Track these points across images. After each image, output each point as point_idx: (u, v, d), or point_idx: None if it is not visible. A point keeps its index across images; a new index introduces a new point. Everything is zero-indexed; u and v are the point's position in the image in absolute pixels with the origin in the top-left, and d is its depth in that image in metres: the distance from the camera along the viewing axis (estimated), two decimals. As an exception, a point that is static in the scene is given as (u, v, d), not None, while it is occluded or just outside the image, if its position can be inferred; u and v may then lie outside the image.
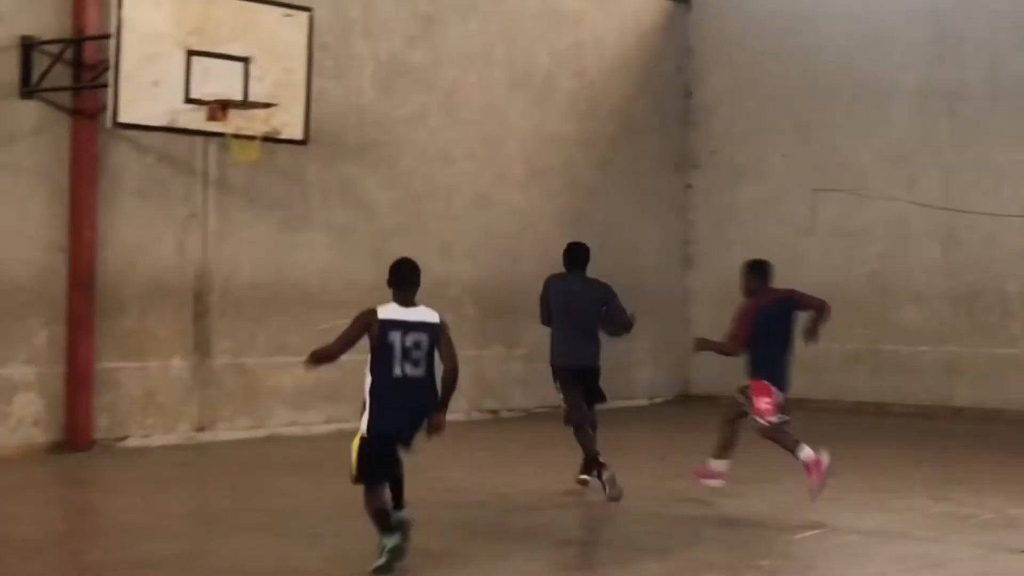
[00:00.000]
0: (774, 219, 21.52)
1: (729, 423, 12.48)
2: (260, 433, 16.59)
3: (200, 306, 16.33)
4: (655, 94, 22.18)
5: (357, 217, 17.91)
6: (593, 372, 12.99)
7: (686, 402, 22.01)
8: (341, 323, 13.06)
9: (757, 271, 12.57)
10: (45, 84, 15.04)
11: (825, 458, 11.82)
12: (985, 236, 19.66)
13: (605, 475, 12.44)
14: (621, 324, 13.03)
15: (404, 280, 9.70)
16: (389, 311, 9.49)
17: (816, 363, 20.95)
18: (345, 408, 17.38)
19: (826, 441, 16.66)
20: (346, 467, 9.46)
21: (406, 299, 9.61)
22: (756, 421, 12.17)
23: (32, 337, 15.05)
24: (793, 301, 12.47)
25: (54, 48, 15.08)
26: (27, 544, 10.39)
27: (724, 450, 12.46)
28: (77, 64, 15.21)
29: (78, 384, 15.19)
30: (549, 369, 13.16)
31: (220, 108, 14.48)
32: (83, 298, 15.27)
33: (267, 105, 14.77)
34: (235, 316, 16.60)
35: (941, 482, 13.38)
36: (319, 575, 9.68)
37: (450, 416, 18.73)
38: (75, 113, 15.28)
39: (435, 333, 9.57)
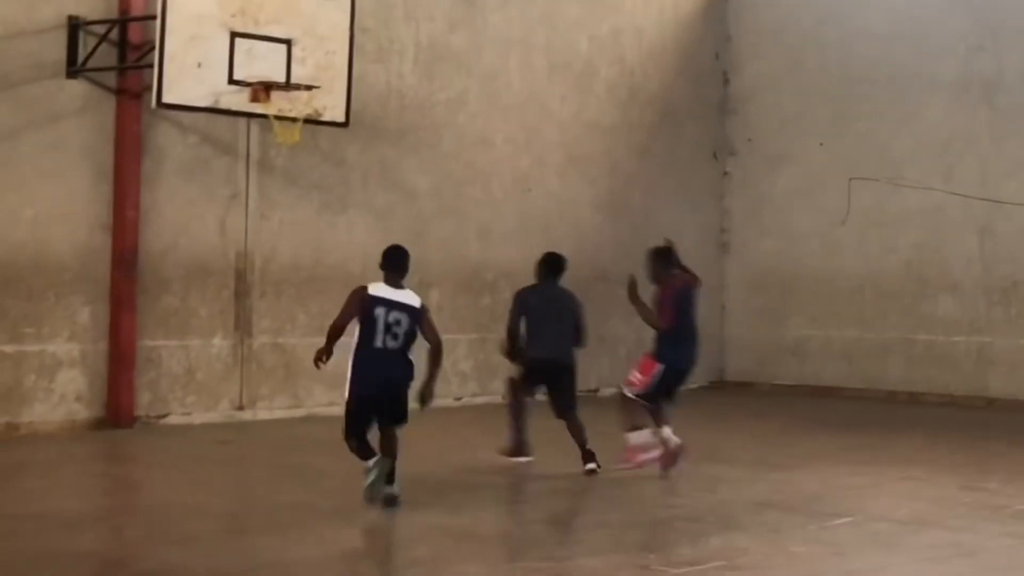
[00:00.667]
0: (810, 207, 21.55)
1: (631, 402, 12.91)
2: (298, 412, 16.76)
3: (241, 286, 16.50)
4: (693, 82, 22.20)
5: (397, 200, 18.04)
6: (569, 371, 13.26)
7: (720, 388, 22.07)
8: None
9: (663, 257, 12.97)
10: (91, 64, 15.23)
11: (652, 455, 12.64)
12: (1022, 227, 19.63)
13: (521, 458, 13.15)
14: (580, 337, 13.38)
15: (395, 265, 11.24)
16: (378, 289, 11.05)
17: (851, 352, 21.08)
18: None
19: (860, 429, 16.85)
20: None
21: (394, 281, 11.14)
22: (624, 386, 12.84)
23: (75, 315, 15.25)
24: (696, 287, 13.10)
25: (100, 28, 15.26)
26: (69, 519, 10.54)
27: (637, 423, 12.83)
28: (123, 44, 15.38)
29: (120, 361, 15.38)
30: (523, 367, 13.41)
31: (263, 90, 14.58)
32: (126, 276, 15.45)
33: (309, 87, 14.86)
34: (275, 296, 16.76)
35: (973, 472, 13.39)
36: (356, 553, 9.81)
37: (484, 399, 19.06)
38: (120, 93, 15.46)
39: (416, 316, 11.06)
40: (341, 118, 15.43)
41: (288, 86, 14.70)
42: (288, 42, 14.77)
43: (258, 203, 16.69)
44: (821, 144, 21.53)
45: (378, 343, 10.91)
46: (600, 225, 20.66)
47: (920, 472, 13.42)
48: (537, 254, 19.38)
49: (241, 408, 16.45)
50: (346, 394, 11.15)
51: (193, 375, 16.15)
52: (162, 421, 15.83)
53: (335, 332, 11.13)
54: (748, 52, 22.50)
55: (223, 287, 16.41)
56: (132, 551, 9.79)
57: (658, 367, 12.65)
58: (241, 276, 16.52)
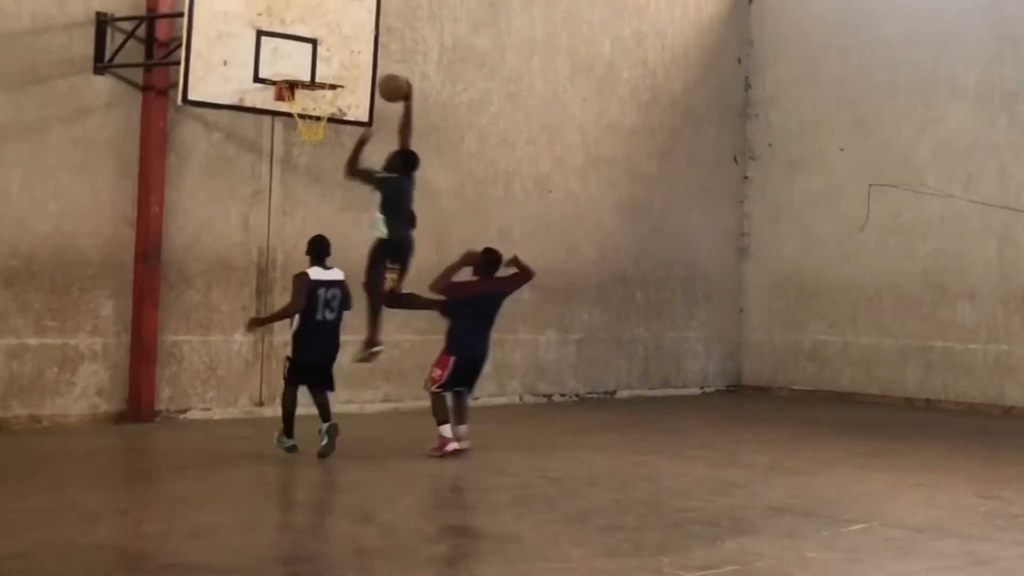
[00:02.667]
0: (830, 213, 21.58)
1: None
2: (316, 410, 16.79)
3: (262, 282, 16.60)
4: (715, 86, 22.23)
5: (419, 199, 17.88)
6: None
7: (738, 392, 22.11)
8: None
9: (489, 260, 14.26)
10: (118, 60, 15.36)
11: (453, 446, 13.72)
12: (1041, 236, 19.68)
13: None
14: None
15: (323, 251, 13.57)
16: (316, 273, 13.45)
17: (868, 357, 21.10)
18: (400, 388, 17.68)
19: (876, 435, 16.87)
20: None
21: (324, 264, 13.52)
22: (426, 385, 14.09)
23: (99, 308, 15.36)
24: (503, 290, 14.42)
25: (128, 25, 15.38)
26: (89, 512, 10.63)
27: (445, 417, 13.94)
28: (150, 41, 15.50)
29: (142, 356, 15.48)
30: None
31: (288, 88, 14.67)
32: (149, 271, 15.55)
33: (334, 86, 14.95)
34: (296, 293, 16.83)
35: (989, 480, 13.41)
36: (373, 551, 9.84)
37: (504, 399, 19.17)
38: (146, 89, 15.57)
39: (344, 288, 13.59)
40: (365, 117, 15.50)
41: (313, 85, 14.78)
42: (313, 41, 14.87)
43: (281, 200, 16.79)
44: (841, 150, 21.56)
45: (319, 316, 13.35)
46: (620, 227, 20.71)
47: (936, 479, 13.44)
48: (556, 255, 19.64)
49: (261, 404, 16.53)
50: (290, 355, 13.55)
51: (214, 371, 16.25)
52: (182, 416, 15.94)
53: (290, 314, 13.56)
54: (770, 57, 22.52)
55: (245, 283, 16.51)
56: (151, 544, 9.85)
57: (451, 359, 13.87)
58: (263, 273, 16.62)
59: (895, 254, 20.94)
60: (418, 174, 18.07)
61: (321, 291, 13.37)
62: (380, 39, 15.63)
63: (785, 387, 21.85)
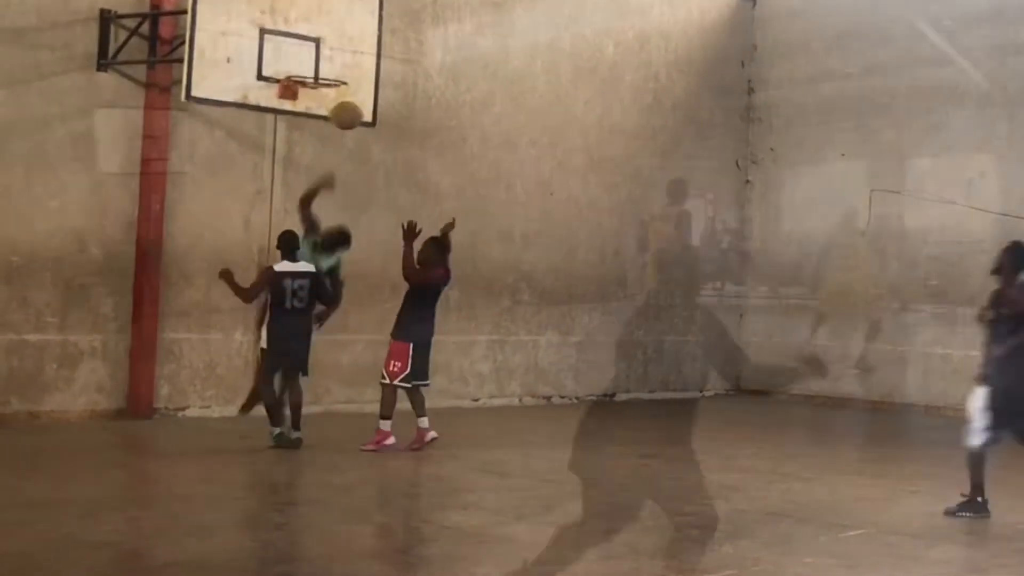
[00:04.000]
0: (831, 218, 21.55)
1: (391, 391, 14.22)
2: (316, 409, 16.72)
3: (263, 281, 16.59)
4: (718, 89, 22.23)
5: (420, 200, 18.08)
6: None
7: (737, 396, 22.09)
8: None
9: (440, 248, 14.58)
10: (121, 57, 15.37)
11: (391, 440, 13.98)
12: (1042, 242, 19.63)
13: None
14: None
15: (289, 246, 14.01)
16: (282, 265, 13.97)
17: (868, 363, 21.07)
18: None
19: (874, 441, 16.85)
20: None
21: (292, 257, 13.99)
22: (382, 376, 14.21)
23: (99, 306, 15.38)
24: (448, 276, 14.72)
25: (131, 22, 15.40)
26: (86, 509, 10.62)
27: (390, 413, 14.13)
28: (153, 38, 15.51)
29: (141, 353, 15.51)
30: None
31: (291, 86, 14.69)
32: (150, 269, 15.56)
33: (337, 85, 14.96)
34: (297, 292, 16.84)
35: (986, 487, 13.38)
36: (367, 551, 9.86)
37: (503, 400, 19.12)
38: (149, 86, 15.58)
39: (313, 279, 14.07)
40: (367, 117, 15.51)
41: (316, 83, 14.78)
42: (317, 40, 14.85)
43: (283, 200, 16.76)
44: (843, 155, 21.55)
45: (287, 305, 13.85)
46: (620, 229, 20.72)
47: (933, 486, 13.41)
48: (557, 257, 19.64)
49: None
50: (265, 346, 14.04)
51: (213, 369, 16.26)
52: (181, 414, 15.96)
53: (243, 298, 14.09)
54: (773, 62, 22.51)
55: (245, 282, 16.34)
56: (148, 542, 9.87)
57: (410, 347, 14.09)
58: (264, 271, 16.61)
59: (895, 259, 20.93)
60: (421, 175, 18.30)
61: (288, 282, 13.86)
62: (383, 39, 15.61)
63: (784, 392, 21.82)
